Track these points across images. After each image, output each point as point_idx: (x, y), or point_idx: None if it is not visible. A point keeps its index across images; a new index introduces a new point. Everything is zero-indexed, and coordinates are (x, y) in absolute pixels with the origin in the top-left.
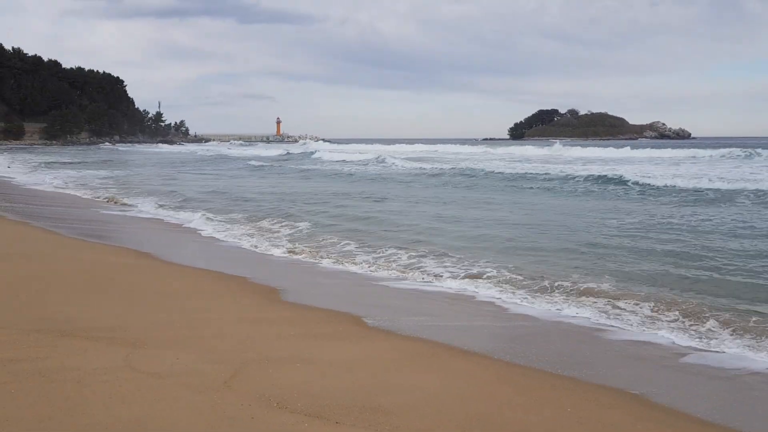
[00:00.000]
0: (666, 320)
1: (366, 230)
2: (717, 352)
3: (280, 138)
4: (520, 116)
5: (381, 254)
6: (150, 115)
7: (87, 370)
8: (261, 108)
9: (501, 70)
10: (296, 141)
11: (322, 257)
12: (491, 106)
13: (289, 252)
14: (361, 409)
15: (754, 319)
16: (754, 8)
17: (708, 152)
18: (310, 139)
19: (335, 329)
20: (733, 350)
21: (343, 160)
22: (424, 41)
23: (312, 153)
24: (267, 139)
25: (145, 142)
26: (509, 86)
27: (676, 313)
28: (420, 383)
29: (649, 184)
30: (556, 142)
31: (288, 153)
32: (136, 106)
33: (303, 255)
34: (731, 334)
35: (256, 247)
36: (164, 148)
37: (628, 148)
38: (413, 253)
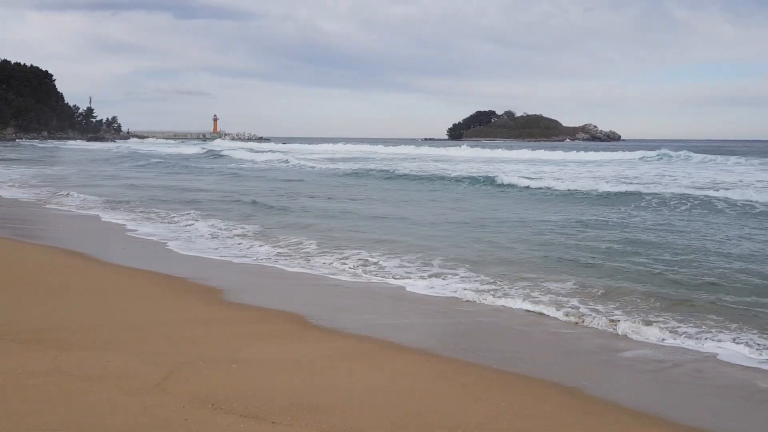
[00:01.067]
0: (602, 315)
1: (305, 230)
2: (649, 343)
3: (217, 135)
4: (461, 117)
5: (332, 253)
6: (80, 111)
7: (14, 374)
8: (198, 104)
9: (441, 71)
10: (213, 139)
11: (271, 257)
12: (433, 106)
13: (238, 253)
14: (298, 409)
15: (681, 310)
16: (682, 16)
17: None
18: (249, 138)
19: (275, 329)
20: (664, 342)
21: (252, 160)
22: (366, 40)
23: (221, 151)
24: (203, 137)
25: (77, 139)
26: (449, 87)
27: (611, 307)
28: (359, 381)
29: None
30: (466, 144)
31: (208, 151)
32: (65, 102)
33: (244, 256)
34: (661, 327)
35: (194, 248)
36: (81, 144)
37: (543, 150)
38: (364, 252)
